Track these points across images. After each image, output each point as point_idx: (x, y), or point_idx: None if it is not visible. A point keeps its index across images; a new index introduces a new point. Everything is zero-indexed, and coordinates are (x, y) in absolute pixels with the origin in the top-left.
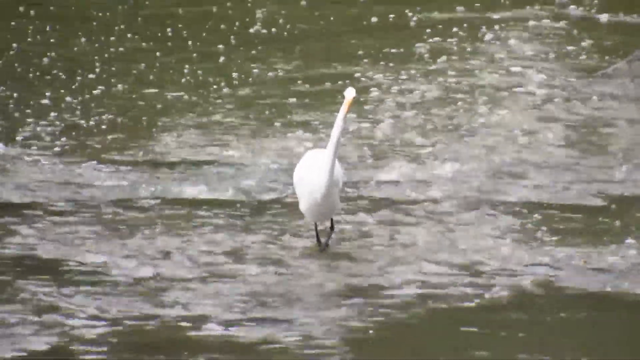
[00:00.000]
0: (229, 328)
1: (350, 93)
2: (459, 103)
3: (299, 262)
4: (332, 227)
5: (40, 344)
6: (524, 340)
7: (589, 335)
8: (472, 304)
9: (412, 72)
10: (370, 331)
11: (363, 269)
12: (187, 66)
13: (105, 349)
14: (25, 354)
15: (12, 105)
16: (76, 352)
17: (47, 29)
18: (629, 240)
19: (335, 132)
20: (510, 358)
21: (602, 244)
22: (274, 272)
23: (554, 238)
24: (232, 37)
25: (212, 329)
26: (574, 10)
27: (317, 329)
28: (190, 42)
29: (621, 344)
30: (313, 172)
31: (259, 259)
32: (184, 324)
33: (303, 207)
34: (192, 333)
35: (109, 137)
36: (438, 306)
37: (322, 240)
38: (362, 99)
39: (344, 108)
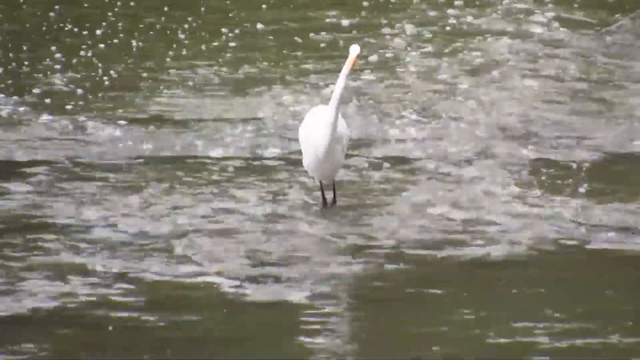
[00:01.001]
0: (238, 285)
1: (354, 50)
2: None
3: (305, 219)
4: (334, 200)
5: (47, 300)
6: (533, 296)
7: (586, 292)
8: (478, 259)
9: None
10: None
11: (370, 225)
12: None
13: (107, 306)
14: (28, 312)
15: (16, 62)
16: (81, 309)
17: None
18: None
19: (338, 88)
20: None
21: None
22: (280, 230)
23: (554, 194)
24: None
25: (221, 286)
26: None
27: (323, 286)
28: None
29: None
30: (316, 129)
31: (265, 217)
32: (190, 280)
33: (306, 163)
34: (200, 290)
35: (114, 94)
36: (446, 259)
37: (328, 198)
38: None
39: (347, 64)
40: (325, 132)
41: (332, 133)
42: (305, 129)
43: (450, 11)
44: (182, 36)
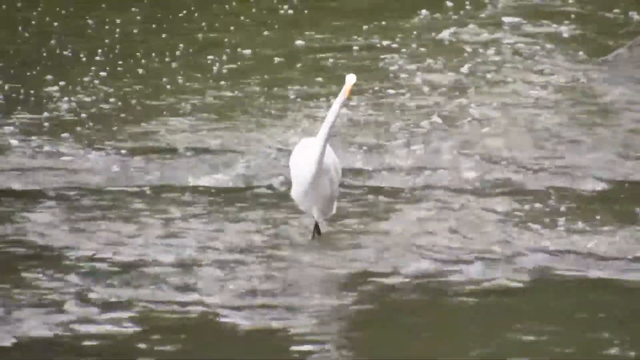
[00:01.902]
0: (236, 315)
1: (351, 79)
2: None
3: (299, 249)
4: (318, 231)
5: (43, 330)
6: (527, 326)
7: (587, 321)
8: (471, 289)
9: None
10: (372, 315)
11: (363, 254)
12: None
13: (102, 336)
14: (27, 341)
15: (9, 90)
16: (78, 340)
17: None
18: (625, 227)
19: (330, 118)
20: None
21: (600, 231)
22: (275, 259)
23: (554, 223)
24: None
25: (216, 316)
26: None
27: (321, 316)
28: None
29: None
30: (303, 161)
31: (259, 246)
32: (185, 309)
33: (293, 193)
34: (195, 320)
35: (111, 122)
36: (439, 290)
37: (317, 228)
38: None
39: (342, 94)
40: (311, 165)
41: (319, 165)
42: (294, 160)
43: (443, 34)
44: (178, 64)
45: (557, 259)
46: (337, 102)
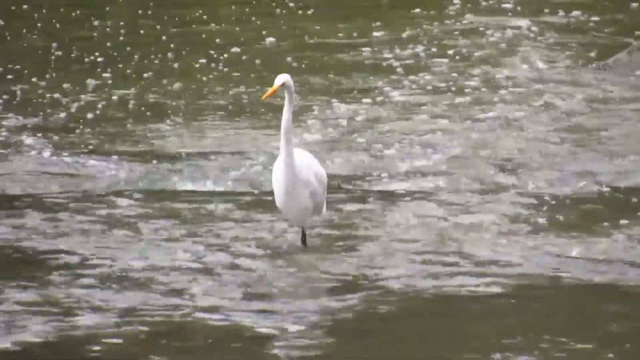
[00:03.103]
0: (228, 317)
1: (280, 79)
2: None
3: (293, 253)
4: (303, 241)
5: (42, 334)
6: (520, 329)
7: (592, 326)
8: (468, 293)
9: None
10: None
11: (356, 259)
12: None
13: (102, 341)
14: (25, 345)
15: (11, 94)
16: (75, 345)
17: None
18: (620, 231)
19: (283, 125)
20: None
21: (598, 234)
22: (272, 264)
23: (551, 228)
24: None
25: (212, 318)
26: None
27: (313, 319)
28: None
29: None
30: (277, 169)
31: (258, 251)
32: (185, 312)
33: (276, 202)
34: (194, 324)
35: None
36: (435, 295)
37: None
38: None
39: (287, 101)
40: (283, 172)
41: (289, 172)
42: (274, 169)
43: (448, 42)
44: (179, 66)
45: (558, 262)
46: (285, 109)
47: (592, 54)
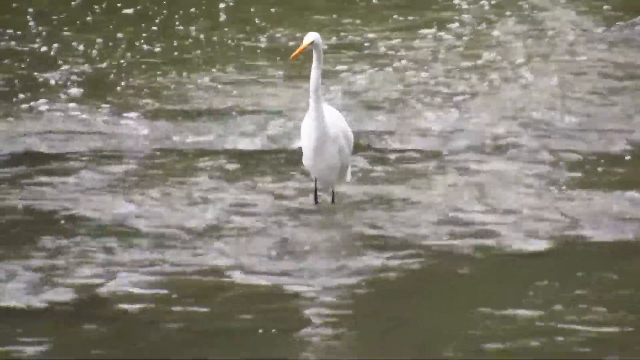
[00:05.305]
0: (252, 277)
1: (309, 37)
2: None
3: (321, 213)
4: (332, 200)
5: (69, 294)
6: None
7: (614, 286)
8: (510, 251)
9: None
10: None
11: (385, 220)
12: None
13: (127, 299)
14: (54, 305)
15: (33, 52)
16: (104, 304)
17: None
18: None
19: (311, 82)
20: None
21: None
22: (296, 224)
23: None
24: None
25: (235, 278)
26: None
27: (338, 280)
28: None
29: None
30: (306, 126)
31: (280, 211)
32: (207, 272)
33: (303, 160)
34: (217, 283)
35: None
36: (462, 255)
37: (322, 195)
38: None
39: (315, 59)
40: (312, 128)
41: (319, 128)
42: (302, 127)
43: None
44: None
45: (584, 221)
46: (313, 67)
47: (620, 14)
